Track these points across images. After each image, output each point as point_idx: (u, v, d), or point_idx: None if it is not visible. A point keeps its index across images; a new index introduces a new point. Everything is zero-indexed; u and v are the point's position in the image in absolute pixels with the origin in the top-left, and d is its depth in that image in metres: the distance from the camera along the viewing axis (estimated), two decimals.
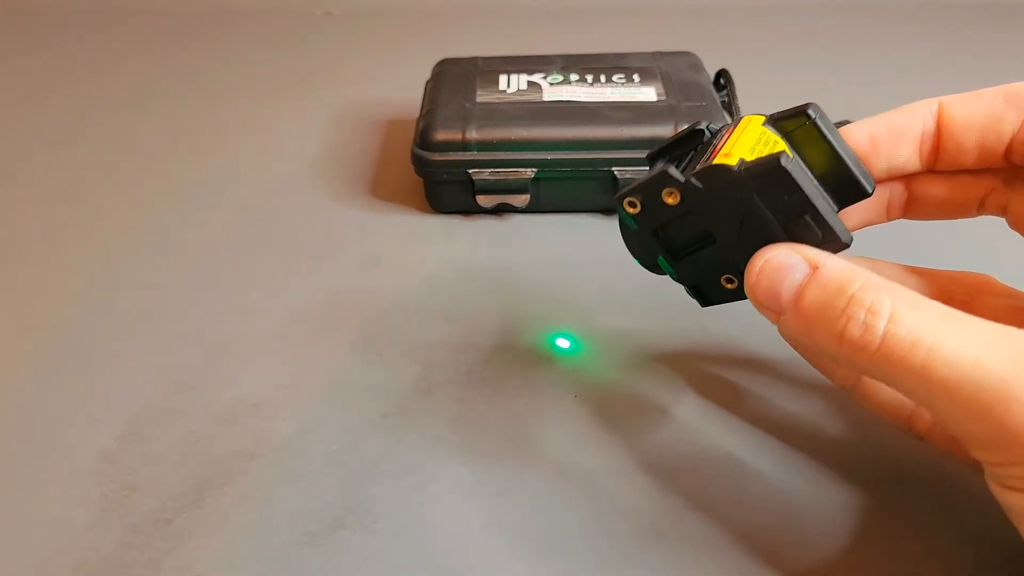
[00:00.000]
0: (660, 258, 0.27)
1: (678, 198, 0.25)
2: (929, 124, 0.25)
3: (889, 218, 0.28)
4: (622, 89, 0.45)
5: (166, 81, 0.62)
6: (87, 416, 0.32)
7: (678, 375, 0.33)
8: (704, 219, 0.25)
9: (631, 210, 0.26)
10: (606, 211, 0.43)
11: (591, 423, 0.31)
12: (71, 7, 0.76)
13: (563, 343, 0.35)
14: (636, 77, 0.46)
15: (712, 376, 0.33)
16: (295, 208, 0.45)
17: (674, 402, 0.32)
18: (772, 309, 0.22)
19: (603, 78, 0.46)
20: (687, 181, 0.24)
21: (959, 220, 0.28)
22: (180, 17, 0.74)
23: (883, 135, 0.25)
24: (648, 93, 0.44)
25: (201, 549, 0.27)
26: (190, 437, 0.31)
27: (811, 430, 0.30)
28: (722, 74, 0.48)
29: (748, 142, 0.24)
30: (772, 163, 0.23)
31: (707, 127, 0.26)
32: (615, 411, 0.31)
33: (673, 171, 0.24)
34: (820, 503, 0.27)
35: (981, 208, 0.27)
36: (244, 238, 0.43)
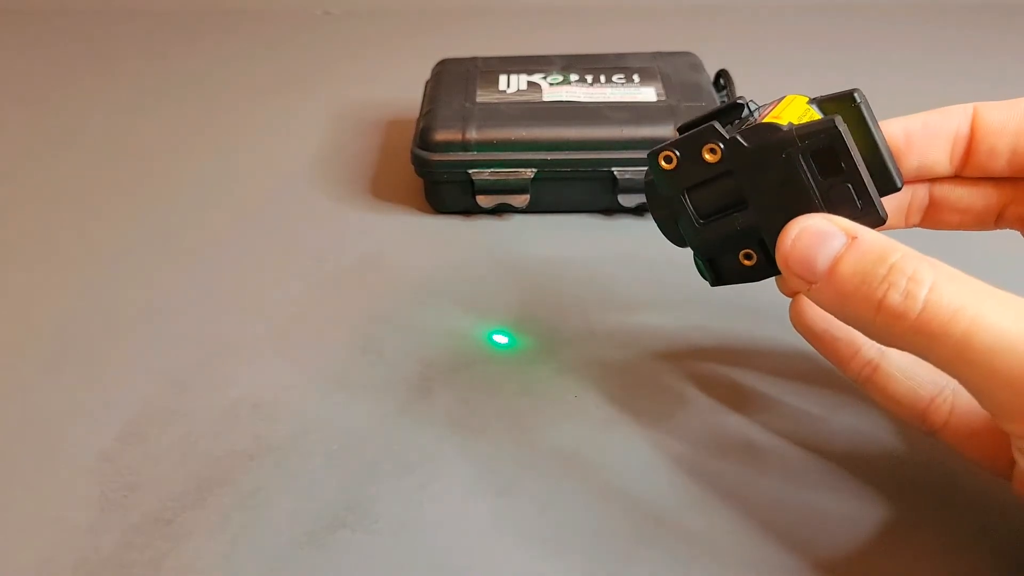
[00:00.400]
0: (681, 222, 0.27)
1: (719, 156, 0.24)
2: (963, 127, 0.25)
3: (907, 223, 0.28)
4: (622, 89, 0.45)
5: (166, 81, 0.62)
6: (87, 416, 0.32)
7: (679, 374, 0.33)
8: (741, 181, 0.25)
9: (666, 165, 0.26)
10: (606, 211, 0.43)
11: (591, 422, 0.31)
12: (71, 7, 0.76)
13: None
14: (636, 77, 0.46)
15: (715, 374, 0.33)
16: (295, 208, 0.45)
17: (676, 401, 0.32)
18: (804, 277, 0.22)
19: (603, 78, 0.46)
20: (733, 138, 0.24)
21: (970, 234, 0.28)
22: (180, 17, 0.74)
23: (918, 133, 0.26)
24: (648, 93, 0.44)
25: (201, 549, 0.27)
26: (190, 437, 0.31)
27: (818, 428, 0.30)
28: (722, 74, 0.48)
29: (794, 114, 0.24)
30: (827, 124, 0.23)
31: (748, 102, 0.26)
32: (615, 411, 0.31)
33: (719, 126, 0.24)
34: (828, 501, 0.27)
35: (999, 220, 0.27)
36: (244, 238, 0.43)
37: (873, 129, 0.24)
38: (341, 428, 0.31)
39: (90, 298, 0.39)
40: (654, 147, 0.26)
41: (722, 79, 0.48)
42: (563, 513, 0.27)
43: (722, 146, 0.24)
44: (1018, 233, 0.27)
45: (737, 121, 0.26)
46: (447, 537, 0.27)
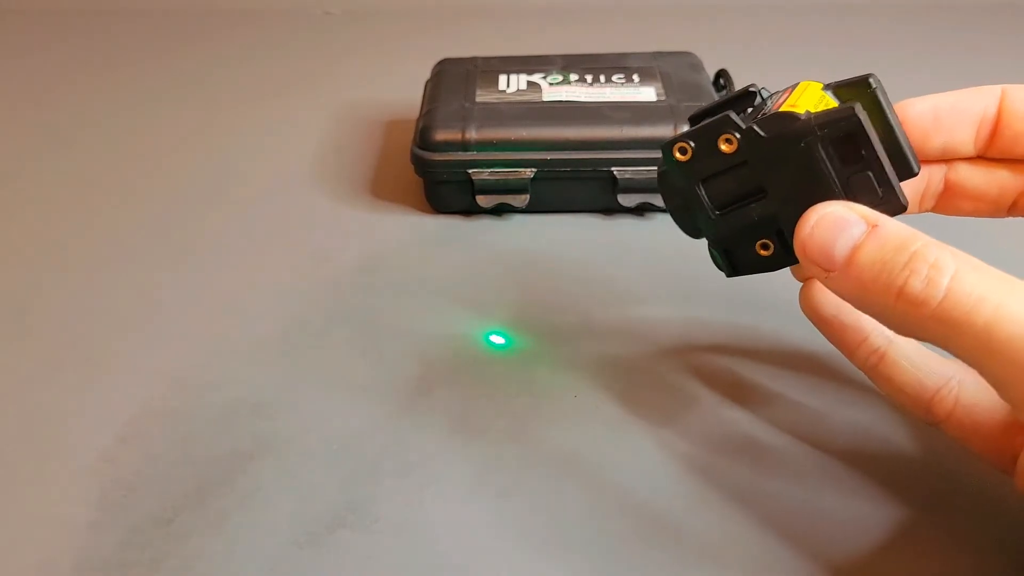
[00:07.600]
0: (696, 213, 0.26)
1: (735, 146, 0.24)
2: (991, 108, 0.25)
3: (921, 208, 0.28)
4: (622, 89, 0.45)
5: (166, 81, 0.62)
6: (87, 416, 0.32)
7: (679, 373, 0.33)
8: (758, 171, 0.24)
9: (680, 157, 0.25)
10: (606, 211, 0.43)
11: (591, 422, 0.31)
12: (71, 7, 0.76)
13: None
14: (636, 77, 0.46)
15: (715, 373, 0.33)
16: (295, 208, 0.45)
17: (675, 401, 0.32)
18: (823, 266, 0.22)
19: (603, 78, 0.46)
20: (749, 127, 0.24)
21: (980, 223, 0.28)
22: (180, 17, 0.74)
23: (947, 111, 0.26)
24: (648, 93, 0.44)
25: (201, 549, 0.27)
26: (190, 437, 0.31)
27: (821, 425, 0.30)
28: (722, 74, 0.48)
29: (810, 101, 0.24)
30: (846, 112, 0.22)
31: (760, 90, 0.26)
32: (615, 410, 0.31)
33: (734, 116, 0.24)
34: (831, 499, 0.27)
35: (1012, 209, 0.27)
36: (244, 238, 0.43)
37: (889, 114, 0.24)
38: (341, 428, 0.31)
39: (90, 298, 0.39)
40: (668, 139, 0.25)
41: (722, 79, 0.48)
42: (563, 513, 0.27)
43: (738, 136, 0.24)
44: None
45: (750, 110, 0.25)
46: (447, 537, 0.27)
